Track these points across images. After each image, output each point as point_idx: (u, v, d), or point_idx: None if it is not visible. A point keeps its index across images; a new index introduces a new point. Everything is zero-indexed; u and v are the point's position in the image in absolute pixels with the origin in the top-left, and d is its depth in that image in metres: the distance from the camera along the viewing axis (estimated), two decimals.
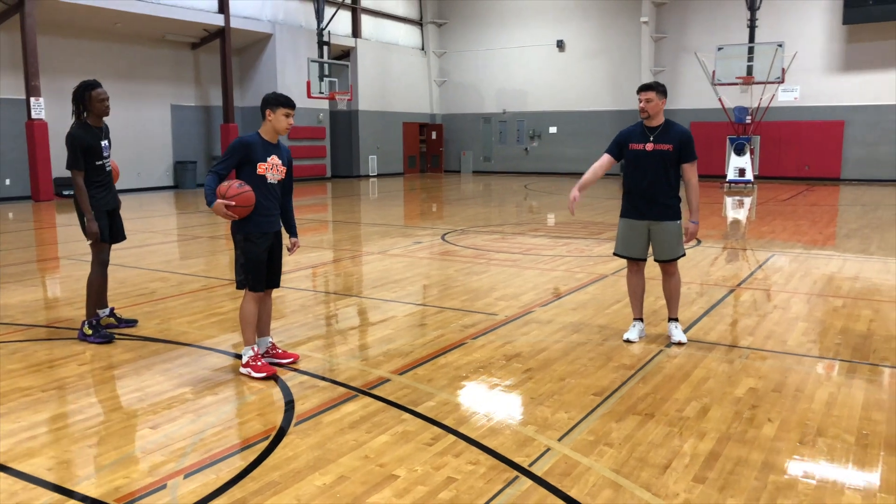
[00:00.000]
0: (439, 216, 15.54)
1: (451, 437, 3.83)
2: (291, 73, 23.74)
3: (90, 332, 5.61)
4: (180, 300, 7.14)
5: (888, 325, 6.09)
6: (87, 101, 5.56)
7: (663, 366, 5.00)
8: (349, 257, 9.88)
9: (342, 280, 8.44)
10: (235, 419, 4.14)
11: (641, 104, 5.33)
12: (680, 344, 5.46)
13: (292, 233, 5.09)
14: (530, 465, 3.50)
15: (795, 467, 3.46)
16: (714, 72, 21.74)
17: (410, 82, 29.84)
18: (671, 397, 4.40)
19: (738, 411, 4.17)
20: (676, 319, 5.64)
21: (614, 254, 5.75)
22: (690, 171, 5.40)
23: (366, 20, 27.79)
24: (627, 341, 5.52)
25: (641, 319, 5.69)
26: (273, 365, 4.91)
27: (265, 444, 3.76)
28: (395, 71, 28.86)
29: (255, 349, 4.84)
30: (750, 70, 21.35)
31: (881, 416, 4.09)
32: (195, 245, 11.43)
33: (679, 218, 5.47)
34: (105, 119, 5.76)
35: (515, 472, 3.43)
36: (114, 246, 5.98)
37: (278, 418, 4.10)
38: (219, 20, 21.64)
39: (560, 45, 28.27)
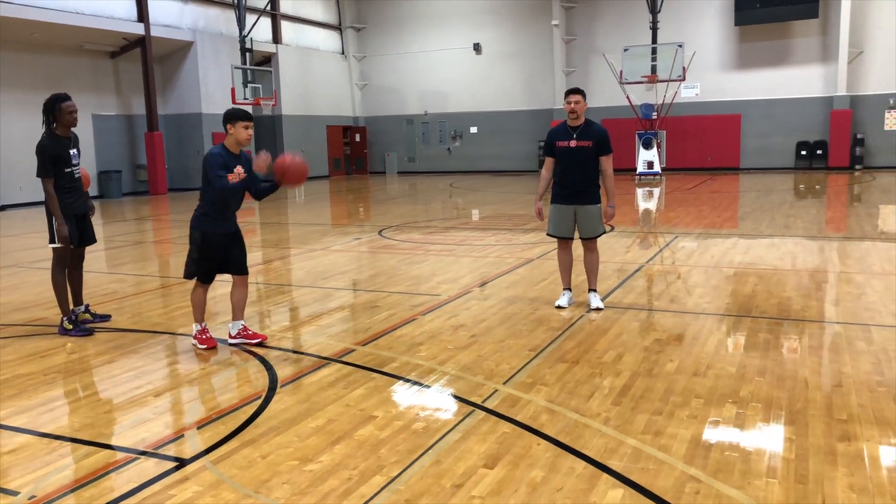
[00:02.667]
0: (372, 215, 16.24)
1: (417, 387, 4.61)
2: (214, 79, 23.91)
3: (70, 326, 6.10)
4: (143, 297, 7.65)
5: (769, 287, 7.22)
6: (57, 112, 6.04)
7: (585, 326, 5.93)
8: (294, 254, 10.49)
9: (293, 273, 9.07)
10: (227, 386, 4.80)
11: (571, 105, 6.21)
12: (598, 310, 6.40)
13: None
14: (483, 401, 4.33)
15: (689, 392, 4.40)
16: (621, 71, 23.21)
17: (332, 86, 30.33)
18: (592, 348, 5.31)
19: (646, 356, 5.11)
20: (595, 290, 6.58)
21: (548, 234, 6.63)
22: (607, 163, 6.35)
23: (286, 26, 28.13)
24: (559, 307, 6.44)
25: (570, 289, 6.62)
26: (245, 344, 5.56)
27: (259, 402, 4.44)
28: (317, 75, 29.31)
29: (203, 325, 5.60)
30: (654, 69, 22.92)
31: (756, 353, 5.11)
32: (135, 250, 11.77)
33: (599, 202, 6.40)
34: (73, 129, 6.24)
35: (472, 408, 4.24)
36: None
37: (265, 383, 4.78)
38: (138, 29, 21.64)
39: (477, 47, 29.34)
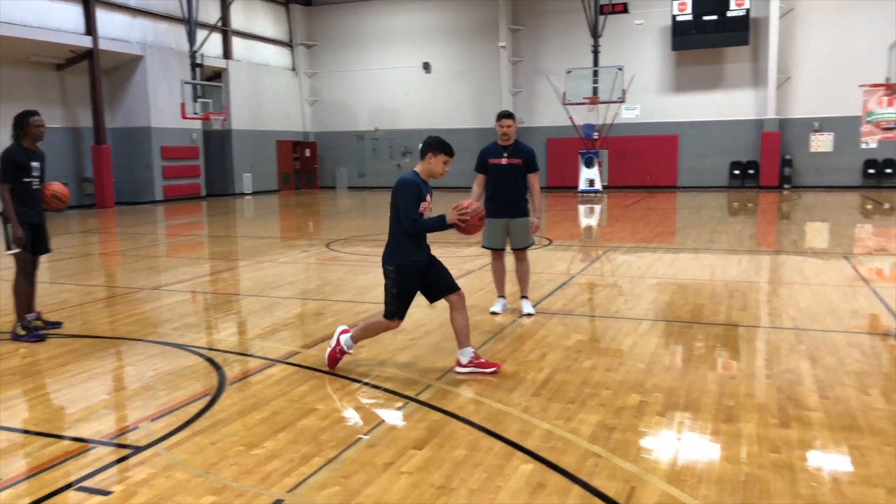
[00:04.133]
0: (321, 228, 16.55)
1: (357, 385, 5.02)
2: (164, 94, 23.93)
3: (23, 332, 6.32)
4: (94, 306, 7.87)
5: (686, 295, 7.84)
6: (25, 126, 6.31)
7: (515, 330, 6.43)
8: (242, 266, 10.76)
9: (241, 283, 9.36)
10: (179, 384, 5.12)
11: (504, 129, 6.73)
12: (529, 315, 6.90)
13: None
14: (417, 394, 4.76)
15: (601, 384, 4.91)
16: (564, 93, 24.06)
17: (283, 102, 30.55)
18: (520, 349, 5.80)
19: (566, 355, 5.62)
20: (527, 297, 7.09)
21: (482, 246, 7.10)
22: (534, 179, 6.89)
23: (237, 42, 28.30)
24: (493, 313, 6.92)
25: (504, 296, 7.12)
26: (478, 373, 5.15)
27: (208, 398, 4.78)
28: (268, 91, 29.51)
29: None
30: (595, 91, 23.83)
31: (665, 351, 5.67)
32: (82, 262, 11.87)
33: (528, 215, 6.92)
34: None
35: (406, 400, 4.67)
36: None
37: (214, 382, 5.13)
38: (86, 42, 21.60)
39: (426, 66, 29.96)
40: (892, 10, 20.48)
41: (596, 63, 24.51)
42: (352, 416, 4.42)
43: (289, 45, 31.38)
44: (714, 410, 4.38)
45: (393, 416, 4.41)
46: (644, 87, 26.07)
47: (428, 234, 5.09)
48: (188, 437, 4.11)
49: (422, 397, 4.72)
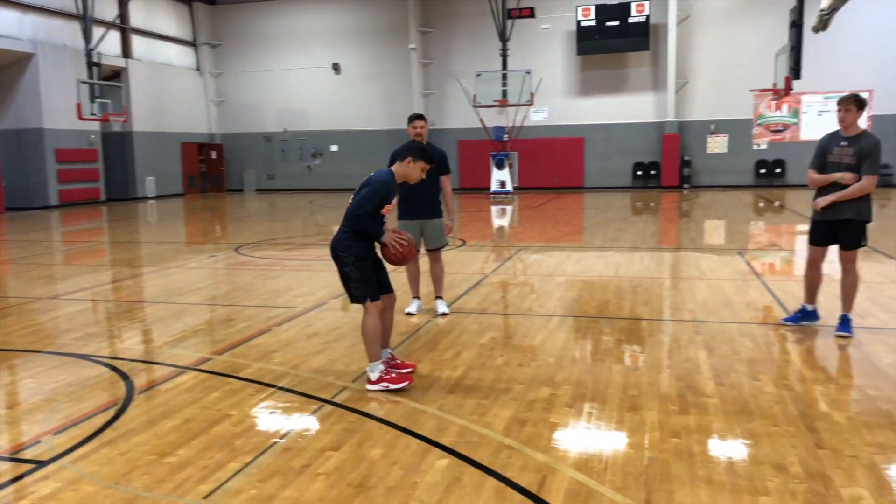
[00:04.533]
0: (229, 232, 16.17)
1: (270, 390, 4.97)
2: (58, 94, 22.78)
3: None
4: None
5: (593, 291, 8.14)
6: None
7: (431, 329, 6.51)
8: (147, 273, 10.40)
9: (147, 290, 9.06)
10: (83, 396, 4.93)
11: (417, 130, 6.74)
12: (444, 315, 7.00)
13: None
14: (332, 397, 4.77)
15: (513, 380, 5.06)
16: (475, 95, 24.40)
17: (187, 103, 29.65)
18: (435, 348, 5.89)
19: (480, 352, 5.74)
20: (441, 297, 7.19)
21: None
22: (446, 181, 6.97)
23: (137, 40, 27.27)
24: (409, 314, 6.97)
25: (419, 297, 7.18)
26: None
27: (116, 408, 4.64)
28: (171, 91, 28.57)
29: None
30: (505, 94, 24.27)
31: (574, 346, 5.89)
32: None
33: (442, 216, 7.01)
34: None
35: (322, 403, 4.67)
36: None
37: (121, 391, 4.97)
38: None
39: (336, 67, 29.71)
40: (778, 19, 21.77)
41: (505, 66, 24.96)
42: (266, 421, 4.39)
43: (192, 44, 30.49)
44: (619, 400, 4.60)
45: (308, 419, 4.41)
46: (551, 90, 26.76)
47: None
48: (95, 448, 3.98)
49: (337, 399, 4.73)
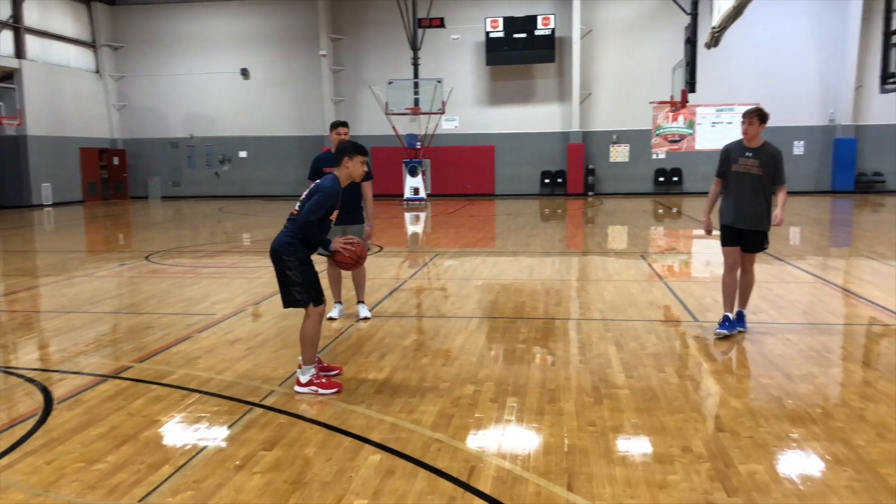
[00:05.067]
0: (138, 240, 15.68)
1: (197, 395, 4.98)
2: None
3: None
4: None
5: (509, 294, 8.46)
6: None
7: (353, 333, 6.63)
8: (52, 282, 10.01)
9: (55, 300, 8.73)
10: None
11: (341, 136, 6.78)
12: (366, 319, 7.13)
13: None
14: (261, 400, 4.83)
15: (438, 378, 5.25)
16: (387, 103, 24.58)
17: (86, 106, 28.50)
18: (360, 351, 6.01)
19: (404, 354, 5.92)
20: (363, 301, 7.31)
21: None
22: (367, 188, 7.08)
23: (31, 40, 26.00)
24: (331, 319, 7.05)
25: (340, 302, 7.28)
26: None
27: (35, 419, 4.54)
28: (69, 94, 27.39)
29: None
30: (417, 102, 24.57)
31: (494, 345, 6.15)
32: None
33: (363, 222, 7.11)
34: None
35: (251, 406, 4.72)
36: None
37: (40, 401, 4.86)
38: None
39: (245, 73, 29.25)
40: (674, 36, 23.03)
41: (416, 75, 25.26)
42: (197, 425, 4.41)
43: (92, 45, 29.33)
44: (539, 394, 4.87)
45: (239, 421, 4.46)
46: (462, 99, 27.27)
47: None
48: (19, 458, 3.91)
49: (266, 402, 4.79)
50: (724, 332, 6.29)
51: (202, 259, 11.90)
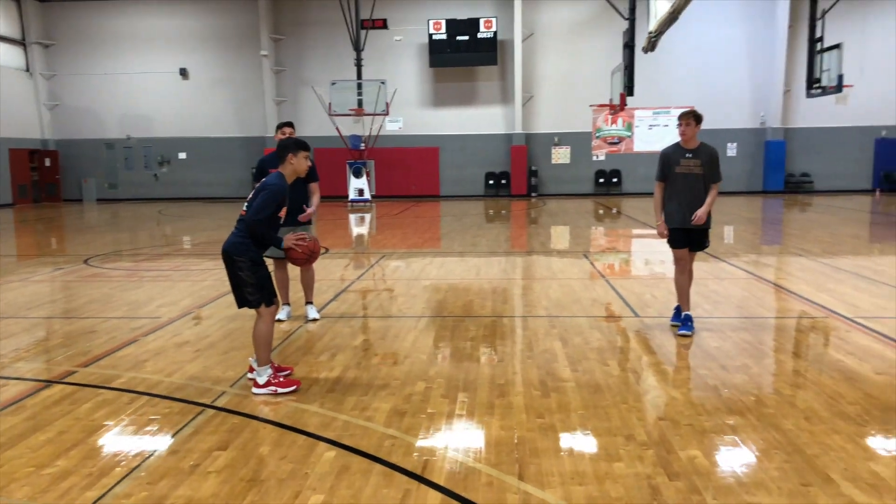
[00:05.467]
0: (74, 244, 15.23)
1: (146, 398, 4.94)
2: None
3: None
4: None
5: (457, 293, 8.59)
6: None
7: (303, 335, 6.65)
8: None
9: None
10: None
11: (287, 135, 6.77)
12: (315, 320, 7.14)
13: None
14: (213, 401, 4.83)
15: (389, 376, 5.34)
16: (330, 104, 24.46)
17: (15, 106, 27.48)
18: (310, 351, 6.05)
19: (355, 353, 5.97)
20: (312, 303, 7.32)
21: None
22: (315, 188, 7.09)
23: None
24: (278, 320, 7.03)
25: (288, 304, 7.27)
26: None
27: None
28: None
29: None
30: (360, 103, 24.52)
31: (443, 343, 6.26)
32: None
33: (310, 223, 7.12)
34: None
35: (202, 408, 4.72)
36: None
37: None
38: None
39: (184, 72, 28.69)
40: (613, 40, 23.58)
41: (359, 76, 25.20)
42: (148, 428, 4.38)
43: (21, 43, 28.32)
44: (488, 388, 5.00)
45: (192, 422, 4.45)
46: (406, 100, 27.34)
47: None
48: None
49: (218, 403, 4.80)
50: (687, 332, 6.39)
51: (144, 262, 11.67)
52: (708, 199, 6.39)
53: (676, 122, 6.47)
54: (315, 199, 7.10)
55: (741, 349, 5.98)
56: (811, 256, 11.07)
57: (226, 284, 5.27)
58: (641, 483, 3.56)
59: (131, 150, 29.42)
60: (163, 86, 28.75)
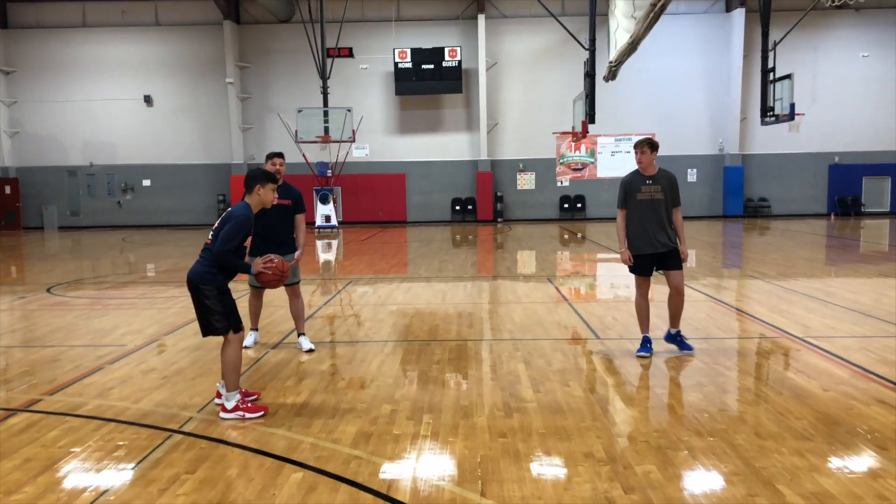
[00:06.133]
0: (36, 272, 15.04)
1: (113, 424, 4.97)
2: None
3: None
4: None
5: (423, 318, 8.72)
6: None
7: (270, 360, 6.72)
8: None
9: None
10: None
11: (277, 167, 6.81)
12: (311, 351, 6.97)
13: None
14: (180, 427, 4.87)
15: (356, 399, 5.43)
16: (296, 131, 24.58)
17: None
18: (277, 377, 6.12)
19: (321, 378, 6.06)
20: (304, 334, 7.19)
21: (250, 284, 7.00)
22: (301, 220, 7.10)
23: None
24: (245, 347, 7.03)
25: (257, 329, 7.28)
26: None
27: None
28: None
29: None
30: (327, 130, 24.68)
31: (409, 366, 6.37)
32: None
33: (294, 252, 7.12)
34: None
35: (170, 433, 4.76)
36: None
37: None
38: None
39: (148, 99, 28.61)
40: (574, 69, 24.14)
41: (326, 103, 25.39)
42: (116, 453, 4.41)
43: None
44: (453, 410, 5.13)
45: (160, 447, 4.49)
46: (372, 127, 27.59)
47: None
48: None
49: (185, 429, 4.84)
50: (646, 354, 6.58)
51: (108, 290, 11.60)
52: (680, 233, 6.53)
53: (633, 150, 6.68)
54: (301, 232, 7.10)
55: (697, 369, 6.20)
56: (767, 279, 11.44)
57: (191, 312, 5.32)
58: (598, 497, 3.71)
59: (94, 178, 29.14)
60: (127, 113, 28.62)
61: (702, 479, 3.92)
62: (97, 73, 28.52)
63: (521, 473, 4.02)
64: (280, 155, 7.01)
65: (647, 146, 6.53)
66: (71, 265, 15.83)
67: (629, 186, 6.61)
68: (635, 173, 6.65)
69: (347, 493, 3.80)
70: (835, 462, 4.13)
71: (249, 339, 7.24)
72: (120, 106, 28.60)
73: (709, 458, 4.19)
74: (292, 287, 7.14)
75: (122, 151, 28.91)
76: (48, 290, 11.54)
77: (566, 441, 4.51)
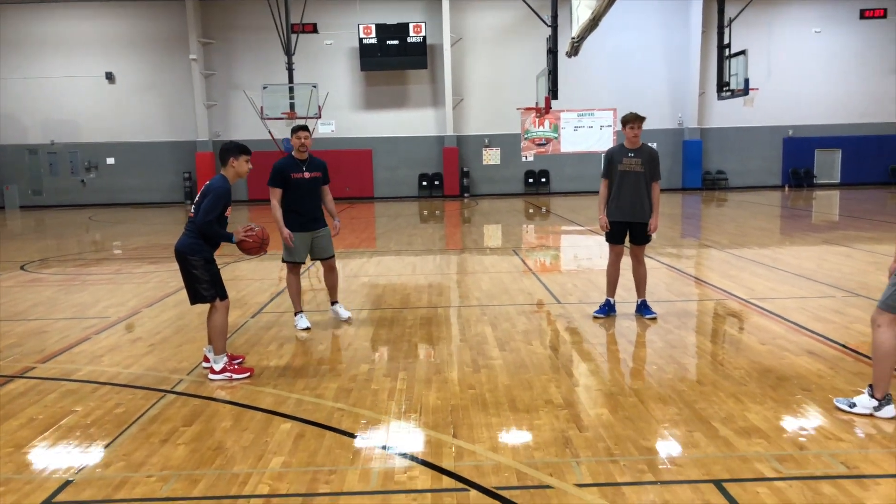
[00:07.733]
0: (5, 251, 15.08)
1: (109, 387, 5.32)
2: None
3: None
4: None
5: (395, 288, 9.14)
6: None
7: (251, 327, 7.09)
8: None
9: None
10: None
11: (301, 140, 6.89)
12: (349, 320, 7.21)
13: None
14: (172, 387, 5.25)
15: (335, 361, 5.85)
16: (262, 107, 24.62)
17: None
18: (259, 342, 6.51)
19: (302, 343, 6.46)
20: (338, 301, 7.32)
21: (284, 260, 7.08)
22: (326, 191, 7.13)
23: None
24: (306, 329, 6.89)
25: (302, 311, 7.14)
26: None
27: None
28: None
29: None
30: (293, 106, 24.76)
31: (384, 331, 6.80)
32: None
33: (327, 226, 7.16)
34: None
35: (164, 393, 5.14)
36: None
37: None
38: None
39: (110, 76, 28.28)
40: (537, 45, 24.51)
41: (291, 80, 25.42)
42: (115, 411, 4.77)
43: None
44: (426, 367, 5.58)
45: (156, 405, 4.87)
46: (338, 103, 27.68)
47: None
48: None
49: (177, 389, 5.22)
50: (601, 315, 7.10)
51: (85, 267, 11.79)
52: (655, 204, 6.93)
53: (622, 125, 6.89)
54: (330, 202, 7.17)
55: (648, 328, 6.73)
56: (720, 247, 12.07)
57: (170, 285, 5.67)
58: (557, 435, 4.20)
59: (56, 156, 28.81)
60: (89, 90, 28.28)
61: (647, 419, 4.43)
62: (56, 49, 28.07)
63: (489, 419, 4.49)
64: (305, 128, 6.95)
65: (640, 122, 6.81)
66: (41, 243, 15.88)
67: (612, 158, 6.98)
68: (620, 146, 7.01)
69: (333, 438, 4.23)
70: (765, 403, 4.68)
71: (303, 321, 7.00)
72: (81, 83, 28.23)
73: (655, 403, 4.71)
74: (327, 261, 7.15)
75: (85, 129, 28.60)
76: (22, 268, 11.68)
77: (528, 391, 4.99)
